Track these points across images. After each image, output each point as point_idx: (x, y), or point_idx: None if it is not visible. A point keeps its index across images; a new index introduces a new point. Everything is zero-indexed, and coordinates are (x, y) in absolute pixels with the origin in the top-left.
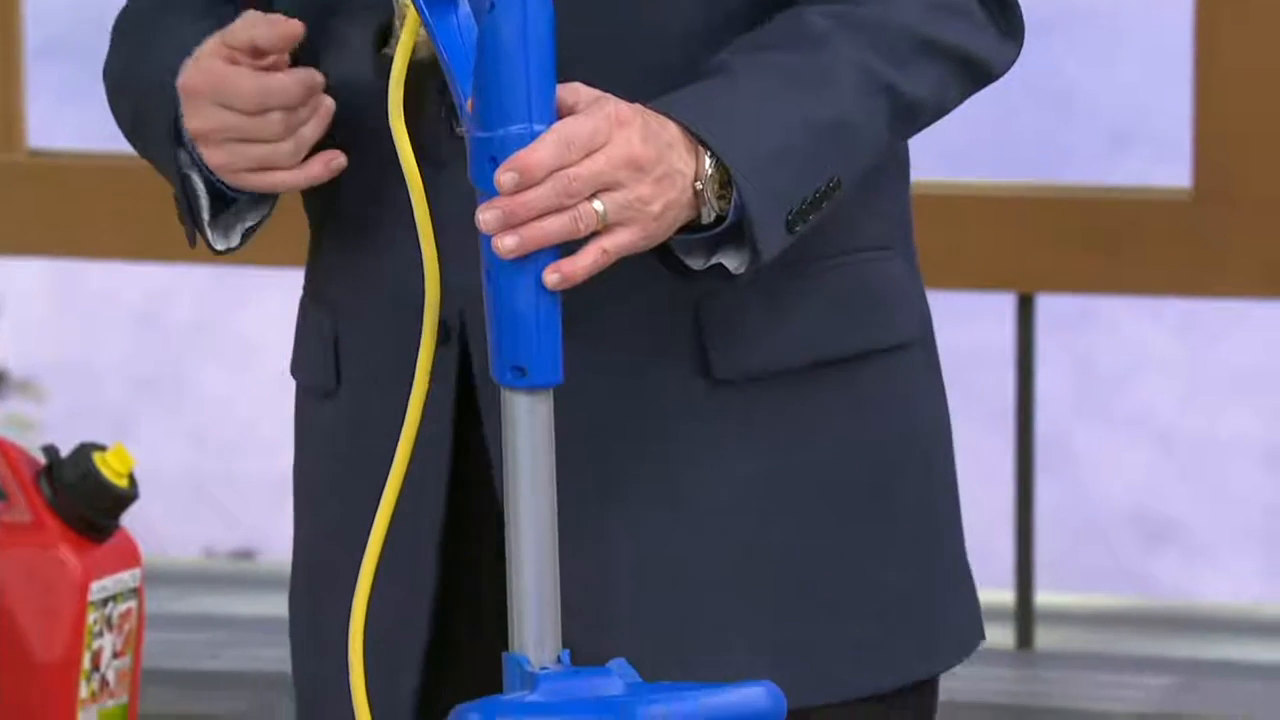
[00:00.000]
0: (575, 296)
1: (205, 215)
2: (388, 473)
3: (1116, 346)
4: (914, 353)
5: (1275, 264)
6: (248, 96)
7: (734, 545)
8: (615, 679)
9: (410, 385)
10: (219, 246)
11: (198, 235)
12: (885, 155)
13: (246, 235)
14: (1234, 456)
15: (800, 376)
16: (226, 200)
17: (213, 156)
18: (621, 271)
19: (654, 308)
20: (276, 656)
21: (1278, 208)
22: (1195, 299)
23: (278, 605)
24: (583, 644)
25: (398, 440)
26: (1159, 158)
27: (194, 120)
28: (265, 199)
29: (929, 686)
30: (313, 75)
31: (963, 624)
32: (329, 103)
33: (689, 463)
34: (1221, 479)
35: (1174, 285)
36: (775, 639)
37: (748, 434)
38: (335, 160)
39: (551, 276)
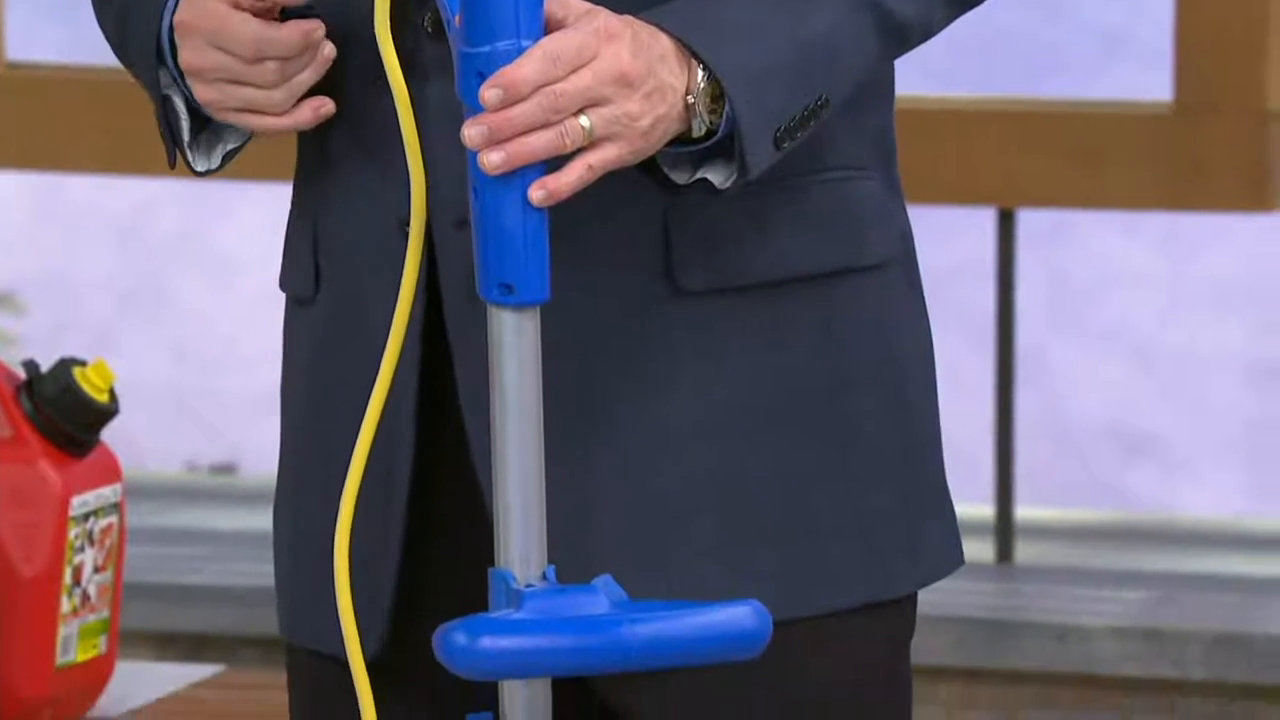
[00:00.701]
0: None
1: (185, 136)
2: (358, 381)
3: (1095, 260)
4: (892, 273)
5: (1256, 176)
6: (245, 44)
7: (715, 467)
8: (601, 597)
9: (385, 295)
10: (199, 167)
11: (178, 155)
12: (872, 74)
13: (228, 157)
14: (1214, 370)
15: (773, 291)
16: (206, 120)
17: (203, 93)
18: (593, 185)
19: (624, 222)
20: (259, 571)
21: (1259, 119)
22: (1177, 212)
23: (259, 520)
24: (566, 565)
25: (370, 350)
26: (1149, 62)
27: (187, 55)
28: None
29: (908, 602)
30: (314, 28)
31: (942, 547)
32: (329, 51)
33: (667, 381)
34: (1201, 393)
35: (1156, 199)
36: (755, 560)
37: (722, 349)
38: (324, 108)
39: (537, 193)
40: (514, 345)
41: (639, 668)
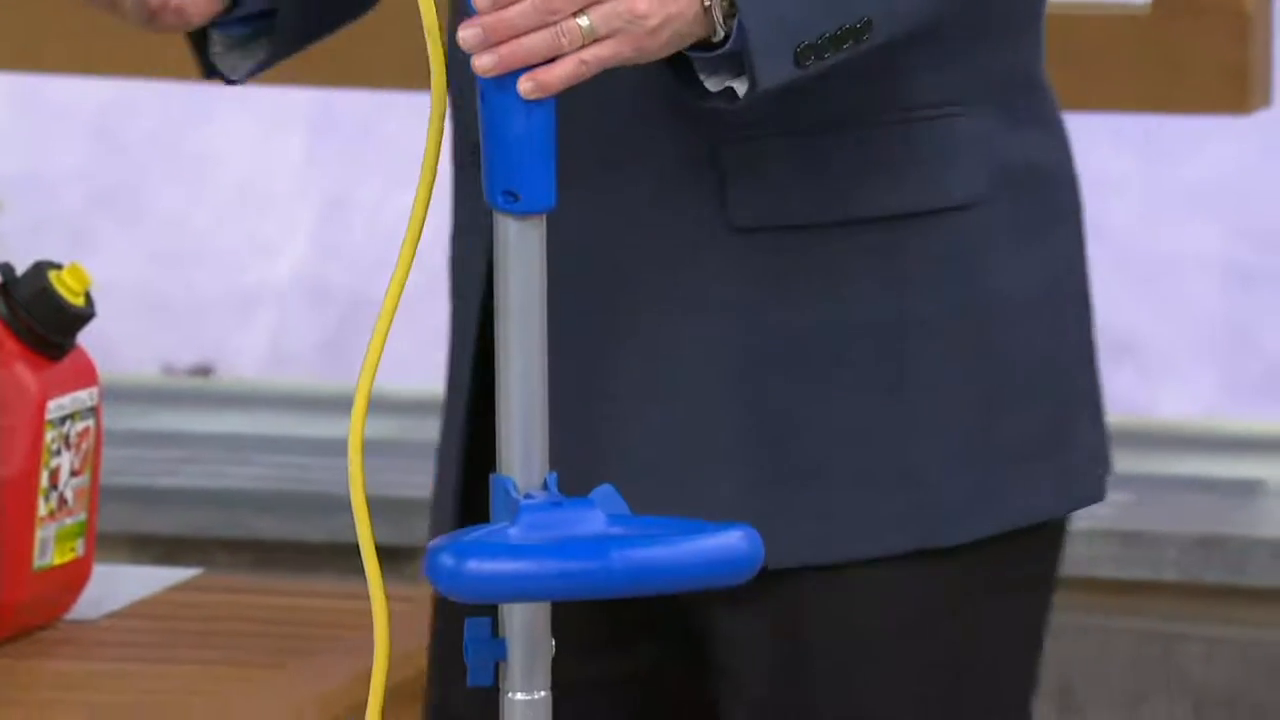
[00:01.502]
0: (590, 134)
1: (214, 48)
2: (463, 298)
3: (1078, 163)
4: (982, 213)
5: (1235, 78)
6: None
7: (755, 402)
8: (597, 512)
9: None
10: (233, 78)
11: (207, 67)
12: (943, 7)
13: (257, 69)
14: (1193, 272)
15: (832, 232)
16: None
17: None
18: (640, 108)
19: (677, 155)
20: (236, 473)
21: (1238, 21)
22: (1156, 115)
23: (237, 422)
24: (589, 485)
25: (463, 273)
26: None
27: None
28: (262, 38)
29: (970, 551)
30: None
31: (1015, 496)
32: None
33: (715, 312)
34: (1180, 295)
35: (1135, 101)
36: (788, 500)
37: (775, 286)
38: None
39: (525, 85)
40: (518, 253)
41: (627, 594)
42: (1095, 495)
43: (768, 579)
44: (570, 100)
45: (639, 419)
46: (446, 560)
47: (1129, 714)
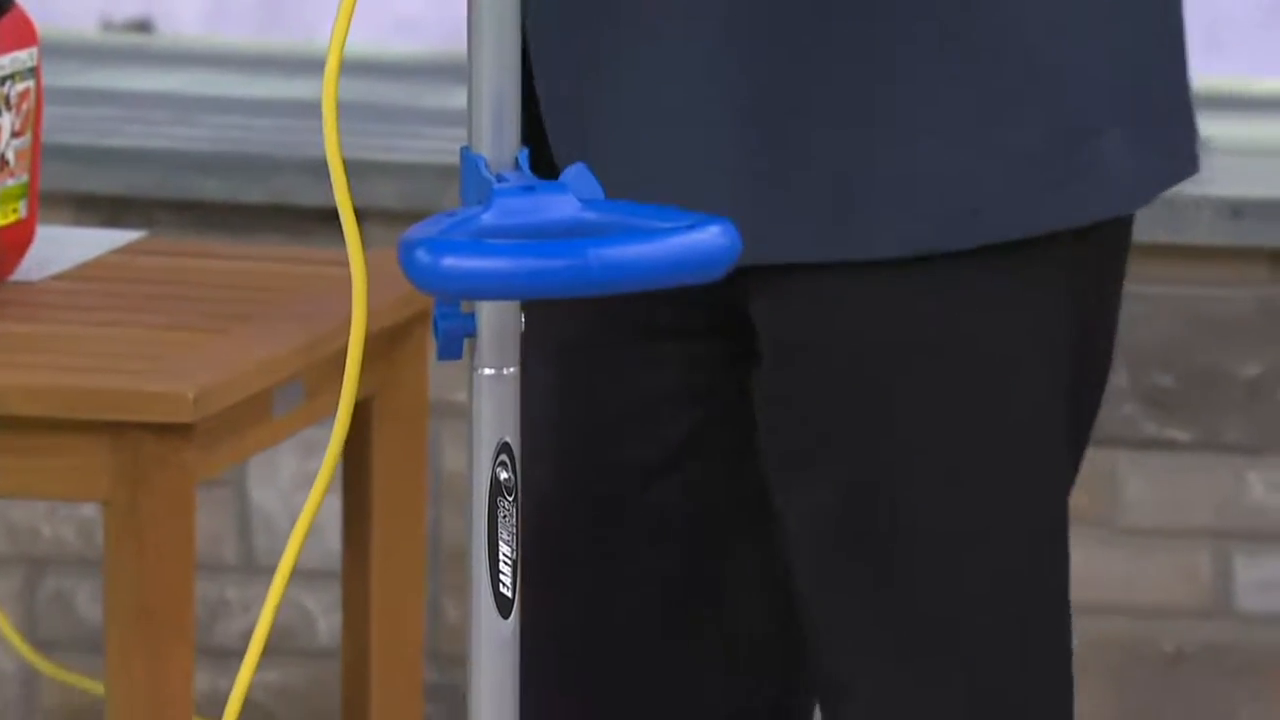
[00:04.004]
0: None
1: None
2: None
3: None
4: None
5: None
6: None
7: (750, 79)
8: (569, 197)
9: None
10: None
11: None
12: None
13: None
14: None
15: None
16: None
17: None
18: None
19: None
20: (176, 134)
21: None
22: None
23: (178, 80)
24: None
25: None
26: None
27: None
28: None
29: (1061, 245)
30: None
31: (1013, 202)
32: None
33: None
34: None
35: None
36: (763, 192)
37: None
38: None
39: None
40: None
41: (603, 293)
42: (1116, 207)
43: (765, 272)
44: None
45: (635, 101)
46: (422, 256)
47: None
